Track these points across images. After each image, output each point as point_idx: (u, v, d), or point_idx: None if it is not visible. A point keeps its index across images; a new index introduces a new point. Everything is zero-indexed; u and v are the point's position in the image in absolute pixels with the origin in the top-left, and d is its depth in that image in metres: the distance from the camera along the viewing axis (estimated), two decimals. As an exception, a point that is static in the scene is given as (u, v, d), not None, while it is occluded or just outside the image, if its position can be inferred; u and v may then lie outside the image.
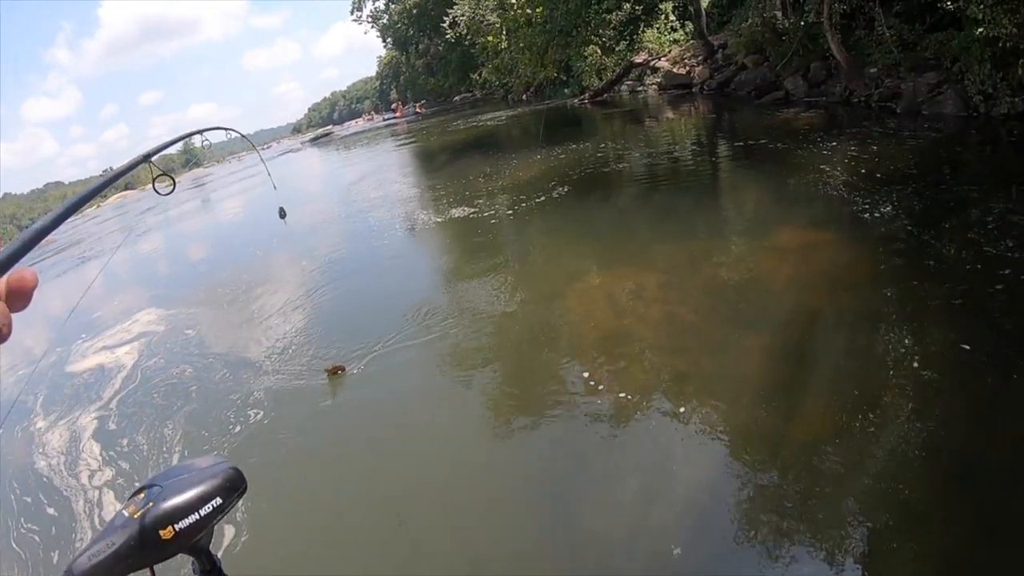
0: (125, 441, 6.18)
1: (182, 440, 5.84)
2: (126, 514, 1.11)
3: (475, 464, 4.52)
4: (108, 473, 5.70)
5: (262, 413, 5.92)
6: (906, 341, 4.54)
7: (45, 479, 5.94)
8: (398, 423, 5.32)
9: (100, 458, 6.02)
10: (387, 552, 3.87)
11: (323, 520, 4.31)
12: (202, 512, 1.14)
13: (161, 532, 1.09)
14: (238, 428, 5.78)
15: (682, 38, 26.20)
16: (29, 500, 5.61)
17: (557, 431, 4.57)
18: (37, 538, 5.00)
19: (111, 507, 5.16)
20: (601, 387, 4.93)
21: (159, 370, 8.00)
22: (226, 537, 4.20)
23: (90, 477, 5.71)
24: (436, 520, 4.01)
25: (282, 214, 3.77)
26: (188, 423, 6.17)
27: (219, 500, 1.17)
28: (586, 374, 5.19)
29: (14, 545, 4.99)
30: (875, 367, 4.34)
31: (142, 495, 1.15)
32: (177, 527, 1.11)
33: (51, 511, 5.33)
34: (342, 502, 4.50)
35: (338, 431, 5.46)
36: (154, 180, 1.46)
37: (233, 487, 1.22)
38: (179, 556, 1.16)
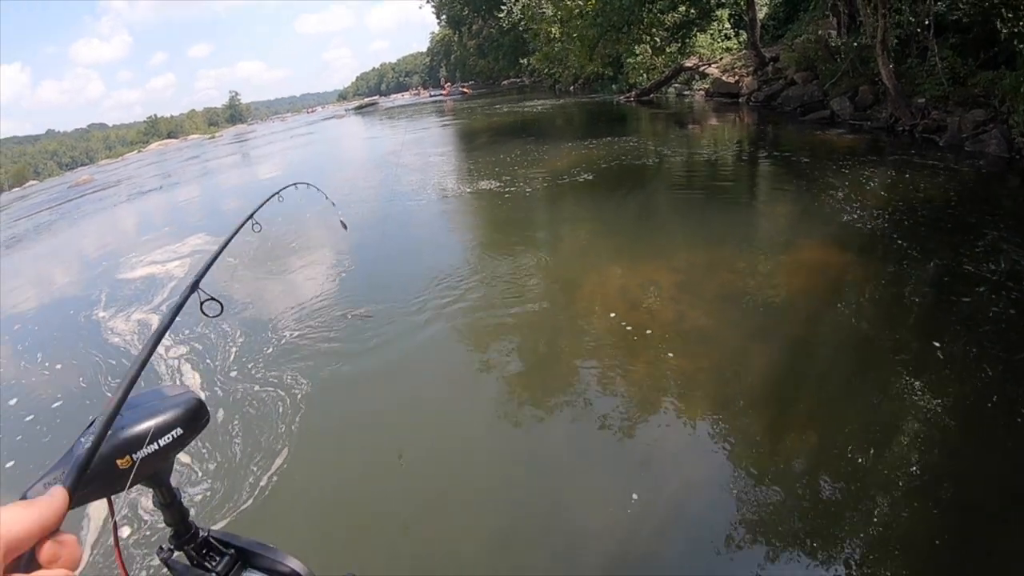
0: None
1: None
2: (83, 442, 1.02)
3: (476, 447, 4.59)
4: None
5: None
6: (921, 371, 4.54)
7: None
8: (409, 394, 5.44)
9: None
10: (385, 516, 3.98)
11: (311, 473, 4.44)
12: (162, 442, 1.10)
13: (119, 462, 1.05)
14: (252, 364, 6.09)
15: (735, 47, 25.94)
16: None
17: (562, 421, 4.65)
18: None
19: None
20: (609, 381, 5.03)
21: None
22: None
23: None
24: (426, 501, 4.07)
25: (344, 226, 3.80)
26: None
27: (180, 431, 1.13)
28: (596, 366, 5.29)
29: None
30: (883, 392, 4.35)
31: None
32: (135, 456, 1.06)
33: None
34: (346, 459, 4.65)
35: (353, 393, 5.60)
36: (202, 304, 1.49)
37: (195, 418, 1.18)
38: (138, 487, 1.13)
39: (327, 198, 3.29)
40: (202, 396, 1.26)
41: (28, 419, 6.30)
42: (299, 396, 5.55)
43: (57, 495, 0.76)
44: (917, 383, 4.37)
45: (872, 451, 3.75)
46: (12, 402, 6.82)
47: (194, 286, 1.47)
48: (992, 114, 10.38)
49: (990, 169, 9.54)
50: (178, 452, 1.14)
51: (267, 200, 2.46)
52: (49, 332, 9.35)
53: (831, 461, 3.73)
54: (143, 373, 1.09)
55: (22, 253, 19.77)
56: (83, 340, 8.32)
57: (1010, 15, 10.38)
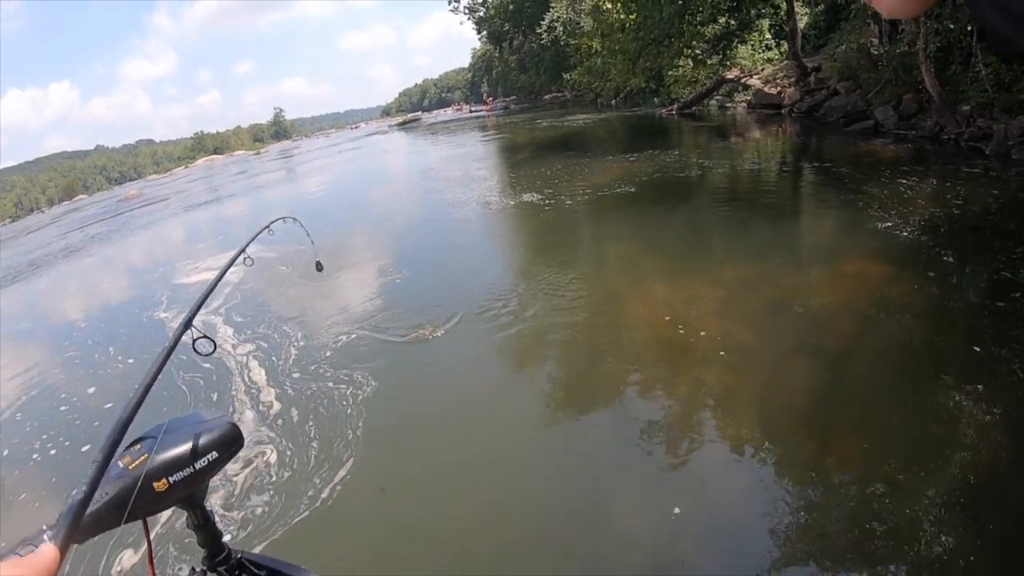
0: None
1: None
2: (121, 465, 1.10)
3: (521, 456, 4.65)
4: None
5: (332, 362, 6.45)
6: (970, 385, 4.44)
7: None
8: (455, 405, 5.56)
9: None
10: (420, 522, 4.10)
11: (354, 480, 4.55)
12: (197, 466, 1.15)
13: (155, 484, 1.09)
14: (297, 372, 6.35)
15: (776, 57, 25.74)
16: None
17: (606, 432, 4.69)
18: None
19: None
20: (652, 395, 5.07)
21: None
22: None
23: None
24: (466, 503, 4.21)
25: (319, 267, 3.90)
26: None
27: (215, 455, 1.18)
28: (638, 379, 5.35)
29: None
30: (931, 408, 4.28)
31: (138, 446, 1.15)
32: (172, 480, 1.11)
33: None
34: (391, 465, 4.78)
35: (399, 398, 5.78)
36: (194, 342, 1.52)
37: (230, 442, 1.23)
38: (173, 509, 1.20)
39: (308, 235, 3.38)
40: (235, 420, 1.30)
41: (108, 406, 6.95)
42: (360, 398, 5.78)
43: (46, 554, 0.73)
44: (965, 398, 4.28)
45: (920, 470, 3.71)
46: (91, 390, 7.54)
47: (186, 324, 1.51)
48: (1038, 121, 10.21)
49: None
50: (213, 475, 1.20)
51: (257, 234, 2.50)
52: (117, 330, 10.16)
53: (878, 480, 3.67)
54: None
55: (82, 261, 20.98)
56: (151, 338, 9.09)
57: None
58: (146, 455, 1.11)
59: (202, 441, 1.18)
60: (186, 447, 1.16)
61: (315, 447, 5.07)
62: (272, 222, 2.75)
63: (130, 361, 8.38)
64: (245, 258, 2.29)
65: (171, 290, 11.71)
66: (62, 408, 7.24)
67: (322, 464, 4.83)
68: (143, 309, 10.85)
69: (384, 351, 6.75)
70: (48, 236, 36.44)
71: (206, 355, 1.53)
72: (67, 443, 6.26)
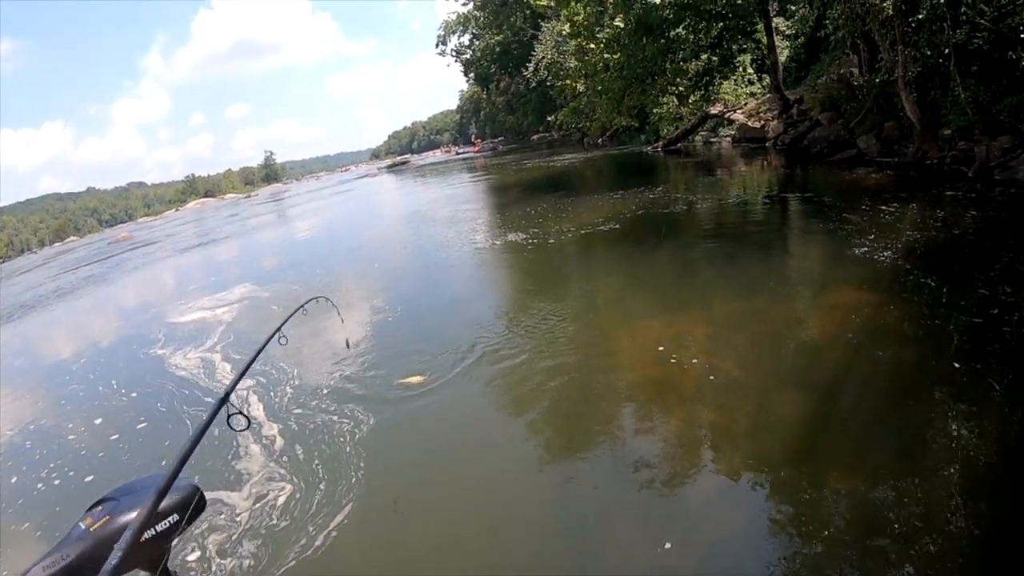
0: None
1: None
2: (83, 527, 1.07)
3: (510, 490, 4.58)
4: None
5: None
6: (961, 415, 4.37)
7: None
8: (445, 443, 5.49)
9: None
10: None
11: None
12: (159, 528, 1.11)
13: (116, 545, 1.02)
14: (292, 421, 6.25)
15: (759, 91, 26.04)
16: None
17: (595, 467, 4.61)
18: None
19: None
20: (642, 430, 4.99)
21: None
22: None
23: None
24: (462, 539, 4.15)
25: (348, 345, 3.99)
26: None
27: (176, 517, 1.14)
28: (629, 415, 5.29)
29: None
30: (923, 440, 4.19)
31: (100, 507, 1.12)
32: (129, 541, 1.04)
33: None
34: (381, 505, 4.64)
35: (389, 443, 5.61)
36: (229, 418, 1.55)
37: (192, 505, 1.18)
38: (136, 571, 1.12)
39: (339, 314, 3.44)
40: (198, 484, 1.23)
41: (113, 437, 7.00)
42: (357, 436, 5.69)
43: None
44: (958, 428, 4.21)
45: (913, 503, 3.61)
46: (97, 420, 7.65)
47: (223, 400, 1.54)
48: (1019, 139, 10.20)
49: (1021, 195, 9.33)
50: (175, 537, 1.15)
51: (292, 314, 2.69)
52: (117, 365, 10.32)
53: (870, 512, 3.60)
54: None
55: (77, 301, 21.19)
56: (151, 373, 9.05)
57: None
58: (107, 517, 1.09)
59: (164, 503, 1.12)
60: (146, 509, 1.08)
61: (321, 486, 4.98)
62: (306, 303, 3.05)
63: (133, 395, 8.34)
64: (280, 337, 2.36)
65: (166, 328, 11.72)
66: (70, 437, 7.36)
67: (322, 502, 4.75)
68: (140, 346, 10.89)
69: (374, 395, 6.57)
70: (40, 277, 36.73)
71: (239, 431, 1.61)
72: (71, 473, 6.32)
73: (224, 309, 12.14)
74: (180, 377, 8.45)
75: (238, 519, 4.64)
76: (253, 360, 1.90)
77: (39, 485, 6.17)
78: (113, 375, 9.55)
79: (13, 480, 6.46)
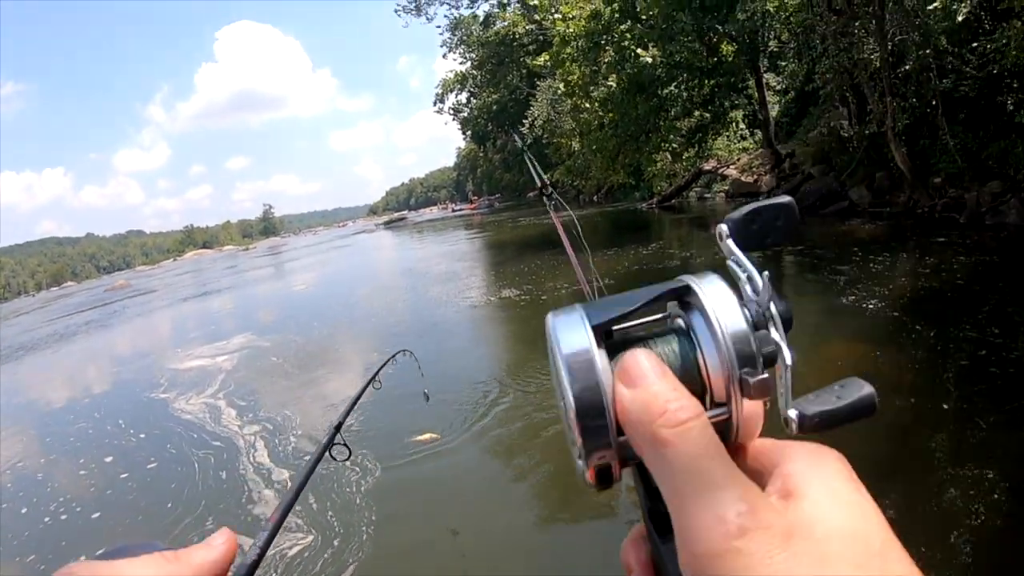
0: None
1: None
2: None
3: (508, 545, 4.52)
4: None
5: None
6: (956, 466, 4.26)
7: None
8: (441, 503, 5.35)
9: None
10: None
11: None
12: None
13: None
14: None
15: (751, 146, 26.33)
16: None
17: (590, 523, 4.62)
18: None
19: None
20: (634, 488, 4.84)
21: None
22: None
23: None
24: None
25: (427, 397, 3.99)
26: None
27: None
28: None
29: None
30: (916, 493, 4.09)
31: None
32: None
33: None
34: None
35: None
36: (332, 447, 1.64)
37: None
38: None
39: (419, 369, 3.48)
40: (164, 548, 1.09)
41: (123, 476, 7.05)
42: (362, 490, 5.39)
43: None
44: (940, 461, 4.26)
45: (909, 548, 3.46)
46: (108, 459, 7.68)
47: (337, 428, 1.67)
48: (1008, 184, 10.24)
49: (1012, 241, 9.34)
50: None
51: (385, 363, 2.79)
52: (122, 406, 10.45)
53: None
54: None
55: (77, 345, 21.55)
56: (156, 415, 9.13)
57: (1015, 85, 10.41)
58: None
59: None
60: None
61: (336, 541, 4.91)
62: (394, 355, 3.13)
63: (142, 435, 8.35)
64: (375, 384, 2.47)
65: (168, 373, 11.81)
66: (80, 472, 7.42)
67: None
68: (143, 389, 10.99)
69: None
70: (37, 320, 37.23)
71: (340, 460, 1.67)
72: (79, 509, 6.35)
73: (224, 357, 12.24)
74: (187, 420, 8.47)
75: None
76: (356, 400, 2.05)
77: (46, 519, 6.21)
78: (120, 415, 9.62)
79: (23, 511, 6.55)
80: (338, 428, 1.66)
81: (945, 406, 5.05)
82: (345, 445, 1.65)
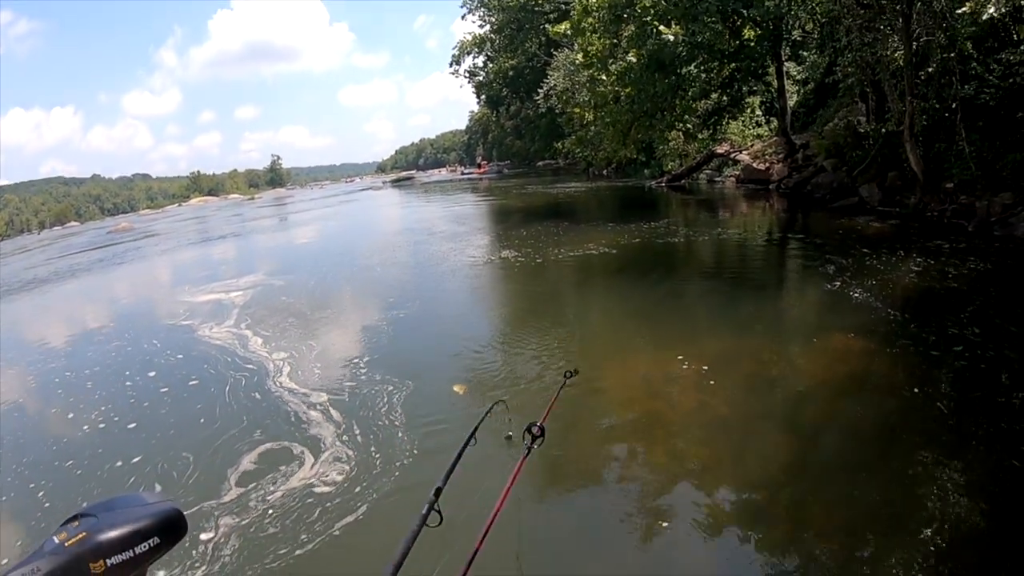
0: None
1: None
2: (56, 540, 1.04)
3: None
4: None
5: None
6: (947, 463, 4.36)
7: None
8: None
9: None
10: None
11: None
12: (137, 550, 1.07)
13: (92, 565, 1.03)
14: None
15: (766, 134, 26.18)
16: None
17: (581, 503, 4.62)
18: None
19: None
20: (629, 467, 4.97)
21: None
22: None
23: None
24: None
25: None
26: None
27: (156, 540, 1.10)
28: (616, 453, 5.21)
29: None
30: (909, 485, 4.18)
31: (76, 523, 1.08)
32: (109, 562, 1.04)
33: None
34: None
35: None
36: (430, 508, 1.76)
37: (173, 529, 1.15)
38: None
39: (509, 421, 3.65)
40: (179, 506, 1.19)
41: (163, 389, 7.80)
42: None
43: None
44: (944, 474, 4.21)
45: (897, 546, 3.60)
46: (152, 374, 8.52)
47: (438, 492, 1.71)
48: (1020, 196, 10.22)
49: (1019, 253, 9.34)
50: (152, 562, 1.11)
51: (482, 419, 2.82)
52: (151, 328, 11.54)
53: (855, 557, 3.61)
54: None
55: (92, 279, 22.55)
56: (185, 339, 10.04)
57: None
58: (84, 533, 1.04)
59: (145, 523, 1.10)
60: (127, 529, 1.07)
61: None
62: (492, 406, 3.25)
63: (179, 356, 9.20)
64: (473, 441, 2.55)
65: (185, 306, 12.88)
66: (127, 384, 8.27)
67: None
68: (165, 317, 12.25)
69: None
70: (41, 258, 37.12)
71: (433, 526, 1.68)
72: (115, 418, 7.01)
73: (238, 293, 13.30)
74: (217, 344, 9.29)
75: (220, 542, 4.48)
76: (457, 461, 2.15)
77: (100, 424, 6.90)
78: (152, 337, 10.52)
79: (69, 415, 7.29)
80: (437, 494, 1.69)
81: (940, 409, 5.12)
82: (438, 511, 1.68)
